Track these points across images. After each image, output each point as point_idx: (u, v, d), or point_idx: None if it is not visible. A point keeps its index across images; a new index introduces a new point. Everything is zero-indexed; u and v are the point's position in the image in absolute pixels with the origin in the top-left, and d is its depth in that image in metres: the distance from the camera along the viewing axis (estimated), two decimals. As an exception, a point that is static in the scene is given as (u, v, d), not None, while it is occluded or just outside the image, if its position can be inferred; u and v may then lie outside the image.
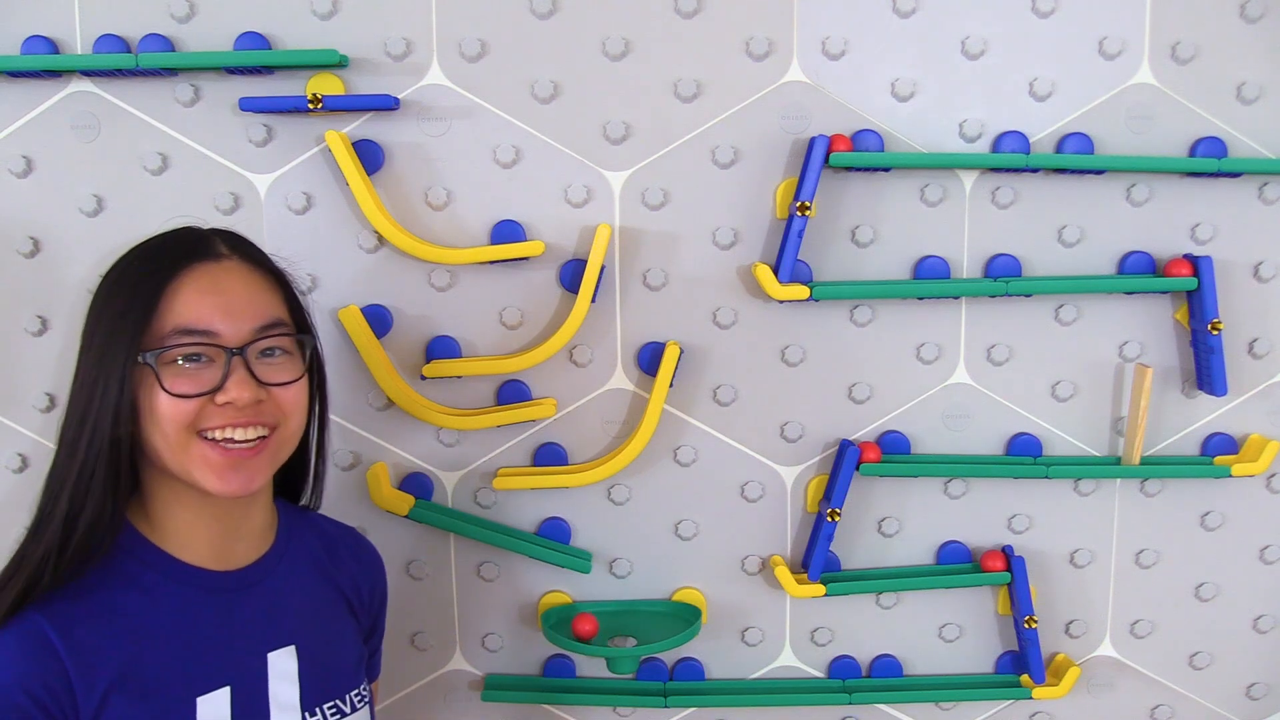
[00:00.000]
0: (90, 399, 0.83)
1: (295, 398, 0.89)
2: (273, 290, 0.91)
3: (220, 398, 0.84)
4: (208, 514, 0.89)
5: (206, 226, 0.93)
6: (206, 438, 0.85)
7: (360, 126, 1.27)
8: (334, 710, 0.94)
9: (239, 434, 0.85)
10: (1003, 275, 1.31)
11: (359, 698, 0.98)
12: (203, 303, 0.85)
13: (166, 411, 0.83)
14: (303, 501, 1.04)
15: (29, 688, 0.78)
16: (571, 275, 1.29)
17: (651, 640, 1.28)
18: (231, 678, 0.88)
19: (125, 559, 0.87)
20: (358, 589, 1.04)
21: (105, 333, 0.84)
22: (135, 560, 0.87)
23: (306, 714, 0.92)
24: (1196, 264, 1.28)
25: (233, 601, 0.91)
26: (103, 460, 0.83)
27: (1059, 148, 1.29)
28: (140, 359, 0.82)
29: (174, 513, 0.89)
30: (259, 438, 0.86)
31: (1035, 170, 1.30)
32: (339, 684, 0.96)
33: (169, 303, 0.84)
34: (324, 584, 1.00)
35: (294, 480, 1.02)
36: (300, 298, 0.95)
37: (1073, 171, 1.29)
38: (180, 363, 0.84)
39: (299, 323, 0.93)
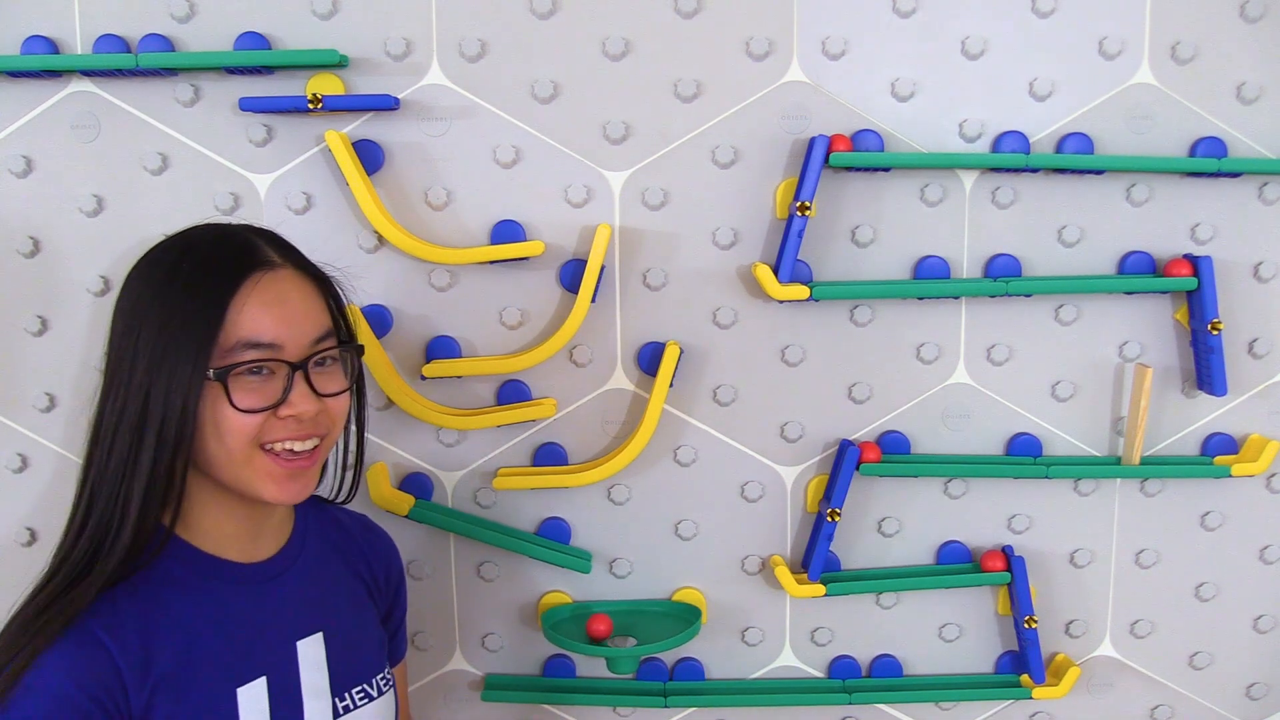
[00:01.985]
0: (147, 408, 0.82)
1: (343, 406, 0.91)
2: (322, 298, 0.92)
3: (284, 411, 0.85)
4: (240, 512, 0.91)
5: (235, 223, 0.92)
6: (267, 450, 0.86)
7: (360, 126, 1.27)
8: (362, 695, 0.96)
9: (298, 445, 0.87)
10: (1003, 275, 1.31)
11: (385, 681, 1.00)
12: (267, 315, 0.85)
13: (233, 425, 0.84)
14: (332, 495, 1.05)
15: (91, 692, 0.79)
16: (571, 275, 1.29)
17: (651, 640, 1.28)
18: (267, 667, 0.89)
19: (163, 557, 0.88)
20: (374, 573, 1.06)
21: (161, 341, 0.82)
22: (172, 558, 0.88)
23: (336, 700, 0.94)
24: (1196, 264, 1.28)
25: (261, 592, 0.92)
26: (164, 471, 0.83)
27: (1059, 148, 1.29)
28: (209, 374, 0.82)
29: (207, 511, 0.90)
30: (314, 447, 0.88)
31: (1035, 170, 1.30)
32: (365, 669, 0.98)
33: (235, 315, 0.83)
34: (344, 571, 1.02)
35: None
36: (345, 302, 0.96)
37: (1073, 171, 1.29)
38: (245, 376, 0.84)
39: (343, 330, 0.94)
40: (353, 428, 1.00)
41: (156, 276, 0.86)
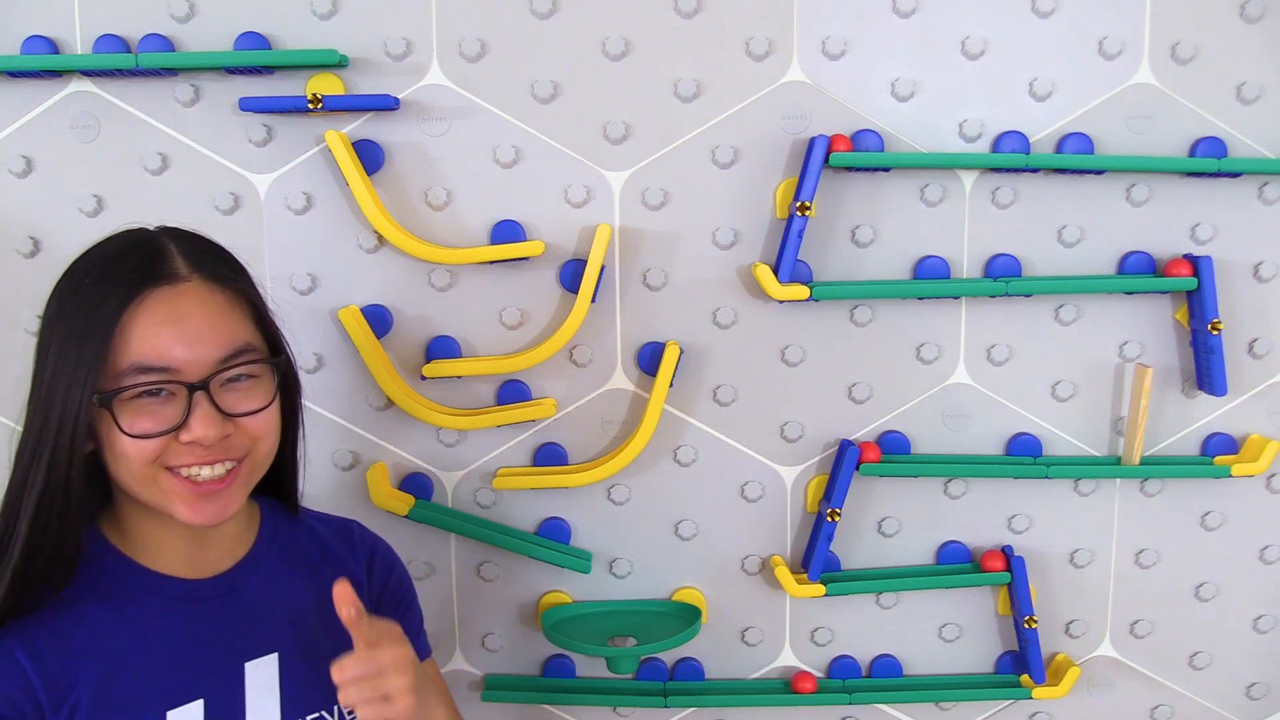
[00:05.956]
0: (43, 431, 0.79)
1: (265, 423, 0.85)
2: (238, 309, 0.85)
3: (184, 436, 0.80)
4: (177, 524, 0.85)
5: (156, 228, 0.87)
6: (174, 471, 0.81)
7: (360, 126, 1.27)
8: None
9: (206, 471, 0.82)
10: (1003, 275, 1.31)
11: None
12: (160, 335, 0.79)
13: (128, 451, 0.80)
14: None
15: (1, 710, 0.77)
16: (571, 275, 1.29)
17: (651, 640, 1.28)
18: (205, 690, 0.86)
19: (96, 571, 0.85)
20: (367, 582, 1.01)
21: (56, 361, 0.80)
22: (106, 572, 0.86)
23: None
24: (1196, 264, 1.28)
25: (207, 610, 0.88)
26: (60, 492, 0.79)
27: (1059, 148, 1.29)
28: (95, 400, 0.78)
29: (143, 524, 0.87)
30: (228, 470, 0.83)
31: (1035, 170, 1.30)
32: (327, 693, 0.90)
33: (124, 337, 0.79)
34: (318, 585, 0.95)
35: (281, 479, 0.98)
36: (269, 312, 0.89)
37: (1073, 171, 1.29)
38: (140, 398, 0.80)
39: (269, 341, 0.88)
40: (290, 441, 0.94)
41: (63, 290, 0.83)
